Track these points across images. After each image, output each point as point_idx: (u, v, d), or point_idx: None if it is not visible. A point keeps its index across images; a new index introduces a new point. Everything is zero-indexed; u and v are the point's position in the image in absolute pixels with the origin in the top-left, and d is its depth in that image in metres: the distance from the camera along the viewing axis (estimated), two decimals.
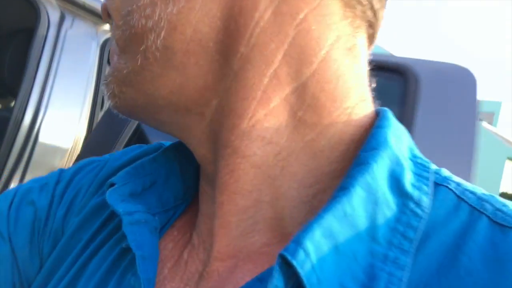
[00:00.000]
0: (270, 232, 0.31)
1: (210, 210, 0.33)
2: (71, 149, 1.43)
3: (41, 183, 0.41)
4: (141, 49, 0.30)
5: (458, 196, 0.29)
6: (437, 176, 0.30)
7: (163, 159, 0.37)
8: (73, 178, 0.41)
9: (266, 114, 0.29)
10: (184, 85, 0.30)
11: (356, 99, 0.30)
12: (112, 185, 0.35)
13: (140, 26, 0.29)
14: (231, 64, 0.29)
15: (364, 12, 0.30)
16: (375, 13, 0.31)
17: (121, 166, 0.40)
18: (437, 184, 0.29)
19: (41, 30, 1.33)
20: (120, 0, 0.31)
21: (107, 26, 1.63)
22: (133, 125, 1.27)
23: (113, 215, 0.36)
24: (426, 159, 0.31)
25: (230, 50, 0.29)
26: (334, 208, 0.26)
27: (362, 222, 0.26)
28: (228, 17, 0.28)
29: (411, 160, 0.30)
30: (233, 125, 0.30)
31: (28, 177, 1.35)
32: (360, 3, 0.29)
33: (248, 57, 0.29)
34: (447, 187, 0.29)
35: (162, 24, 0.29)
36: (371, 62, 0.33)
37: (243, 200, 0.30)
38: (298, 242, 0.25)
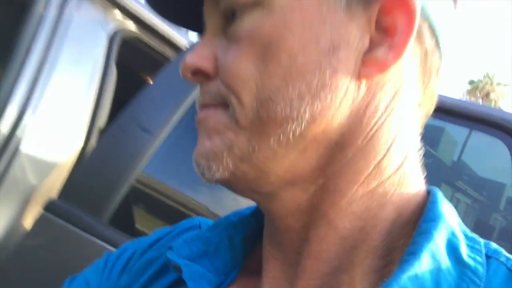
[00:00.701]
0: None
1: (281, 274, 0.38)
2: (60, 165, 1.09)
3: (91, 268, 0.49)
4: (277, 133, 0.34)
5: (509, 269, 0.34)
6: (487, 249, 0.35)
7: (214, 232, 0.44)
8: (122, 252, 0.48)
9: (363, 195, 0.35)
10: (300, 165, 0.35)
11: (422, 185, 0.38)
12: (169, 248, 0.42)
13: (283, 114, 0.33)
14: (346, 152, 0.35)
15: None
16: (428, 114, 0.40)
17: (169, 231, 0.48)
18: (488, 257, 0.34)
19: (38, 8, 1.01)
20: (257, 83, 0.34)
21: (118, 14, 1.32)
22: (153, 143, 0.97)
23: (165, 270, 0.43)
24: (473, 234, 0.36)
25: (348, 141, 0.35)
26: (407, 269, 0.31)
27: (428, 285, 0.31)
28: (354, 116, 0.34)
29: (462, 233, 0.35)
30: (334, 202, 0.35)
31: None
32: (427, 106, 0.39)
33: (362, 149, 0.35)
34: (497, 259, 0.34)
35: (306, 116, 0.33)
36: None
37: (325, 267, 0.35)
38: None
